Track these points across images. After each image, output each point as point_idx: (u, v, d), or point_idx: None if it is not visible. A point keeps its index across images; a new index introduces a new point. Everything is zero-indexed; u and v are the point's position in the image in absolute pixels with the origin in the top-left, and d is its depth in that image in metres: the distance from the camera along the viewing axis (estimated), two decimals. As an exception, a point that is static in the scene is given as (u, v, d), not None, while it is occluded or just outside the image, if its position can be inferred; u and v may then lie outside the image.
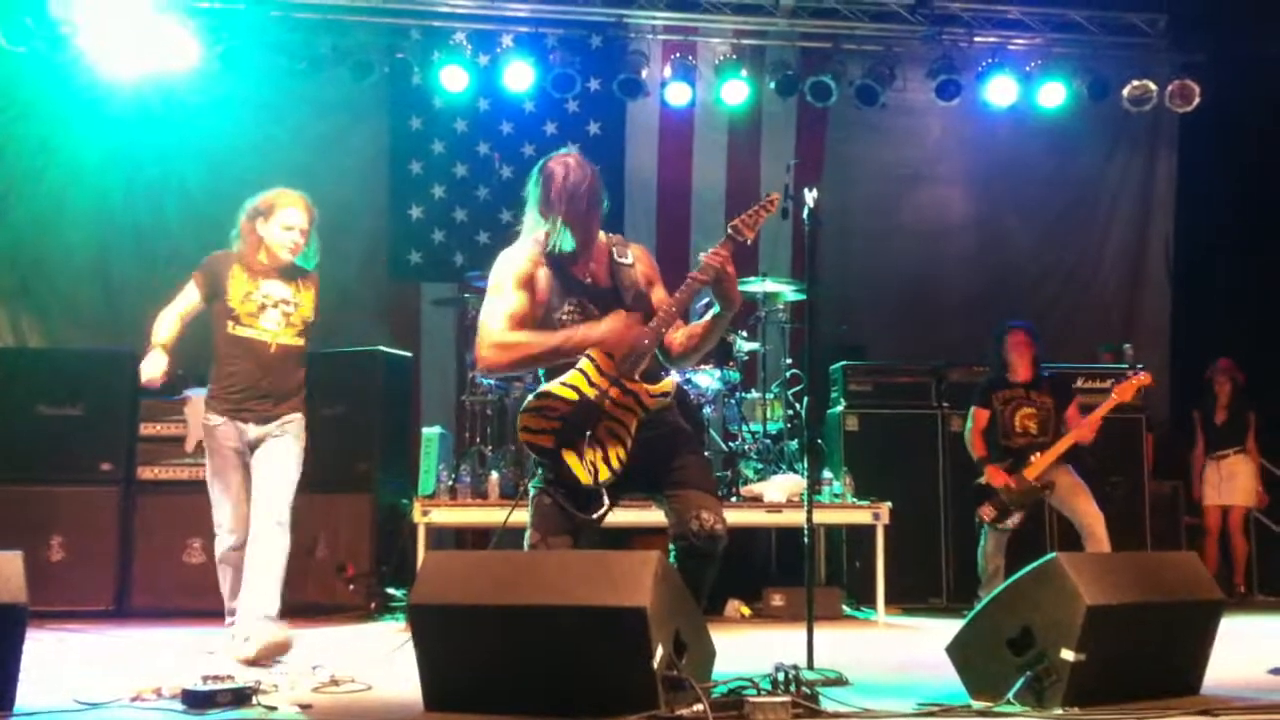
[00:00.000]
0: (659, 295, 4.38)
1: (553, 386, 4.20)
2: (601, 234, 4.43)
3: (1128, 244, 10.82)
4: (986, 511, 7.31)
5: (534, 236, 4.38)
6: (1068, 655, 3.93)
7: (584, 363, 4.20)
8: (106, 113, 9.10)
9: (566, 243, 4.27)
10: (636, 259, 4.42)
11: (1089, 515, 7.24)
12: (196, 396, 7.77)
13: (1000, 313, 9.94)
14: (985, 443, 7.55)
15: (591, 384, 4.18)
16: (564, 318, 4.28)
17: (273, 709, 4.01)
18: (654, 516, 4.86)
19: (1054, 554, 4.21)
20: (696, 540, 4.11)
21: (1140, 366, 7.76)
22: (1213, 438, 9.17)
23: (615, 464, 4.15)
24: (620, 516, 4.62)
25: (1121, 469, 8.52)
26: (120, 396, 7.74)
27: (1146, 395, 8.74)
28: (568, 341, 4.19)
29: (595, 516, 4.19)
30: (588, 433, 4.14)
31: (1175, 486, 9.14)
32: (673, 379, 4.29)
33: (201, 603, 7.31)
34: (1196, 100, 9.64)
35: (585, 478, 4.14)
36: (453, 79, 9.28)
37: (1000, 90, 9.75)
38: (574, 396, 4.16)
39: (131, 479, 7.64)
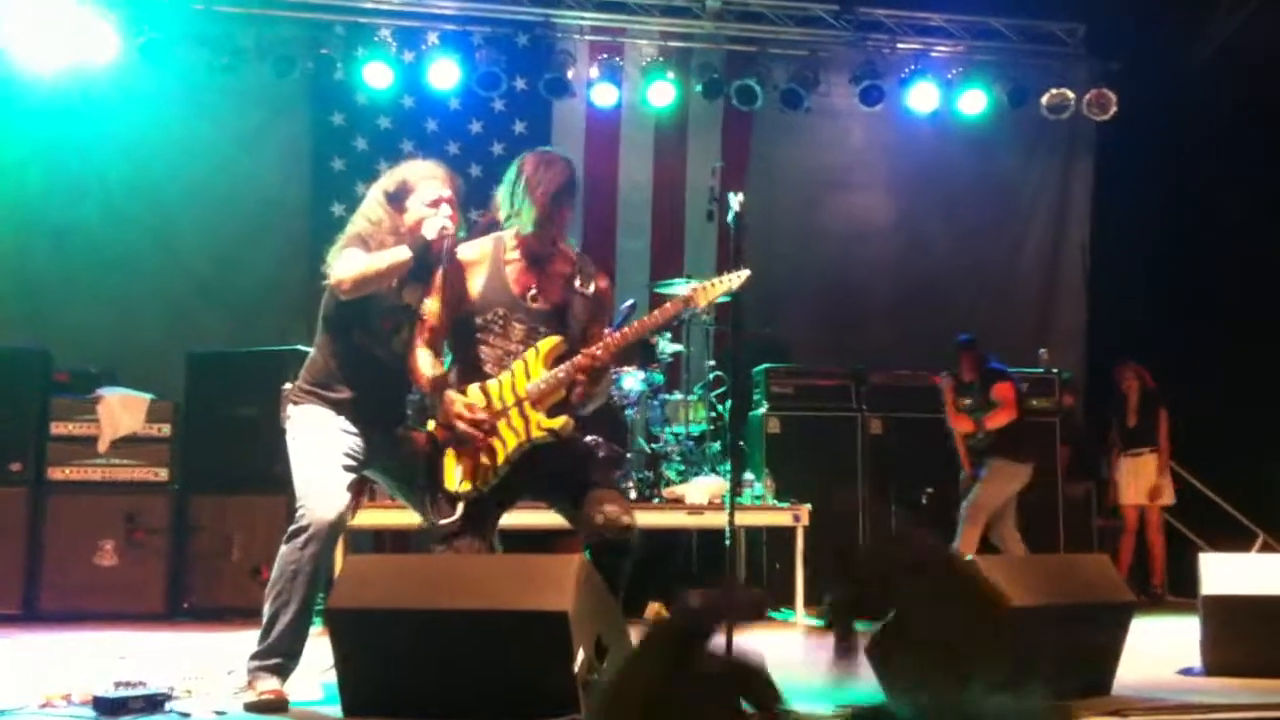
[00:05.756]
0: (595, 336, 4.33)
1: (474, 388, 4.20)
2: (575, 251, 4.45)
3: (1045, 249, 11.00)
4: None
5: (495, 235, 4.40)
6: (983, 657, 3.98)
7: (504, 374, 4.21)
8: (23, 106, 8.93)
9: (528, 225, 4.27)
10: (597, 294, 4.39)
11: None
12: (110, 395, 7.67)
13: (921, 316, 10.10)
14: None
15: (500, 396, 4.18)
16: (482, 321, 4.29)
17: (187, 715, 3.95)
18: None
19: (970, 556, 4.27)
20: (607, 533, 4.09)
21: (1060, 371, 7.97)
22: (1126, 438, 9.30)
23: (479, 481, 4.16)
24: (541, 519, 4.61)
25: (1035, 472, 8.66)
26: (30, 395, 7.61)
27: (1060, 402, 8.95)
28: (434, 394, 4.23)
29: (442, 522, 4.15)
30: (469, 441, 4.15)
31: (1088, 489, 9.29)
32: (567, 420, 4.19)
33: (113, 605, 7.25)
34: (1114, 109, 9.84)
35: (450, 481, 4.16)
36: (377, 76, 9.19)
37: (922, 96, 9.88)
38: (481, 403, 4.18)
39: (41, 479, 7.50)
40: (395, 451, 4.47)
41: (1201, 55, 9.85)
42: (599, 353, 4.15)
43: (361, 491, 4.72)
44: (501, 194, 4.39)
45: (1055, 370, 9.12)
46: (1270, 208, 8.80)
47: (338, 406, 4.39)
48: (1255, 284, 9.10)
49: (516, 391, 4.19)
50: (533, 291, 4.32)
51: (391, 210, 4.47)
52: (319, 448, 4.33)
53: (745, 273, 4.40)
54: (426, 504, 4.23)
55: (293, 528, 4.23)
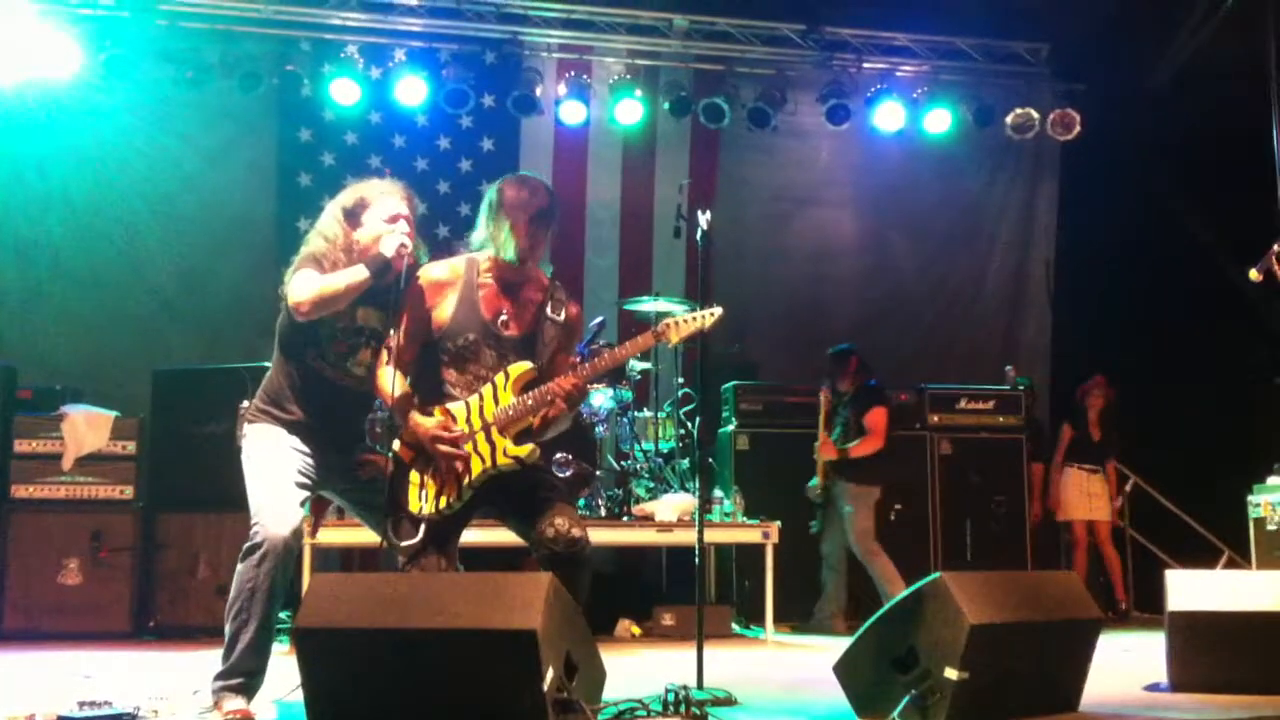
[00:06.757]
0: (561, 363, 4.34)
1: (437, 411, 4.19)
2: (548, 277, 4.41)
3: (1010, 267, 11.08)
4: None
5: (468, 256, 4.36)
6: (951, 674, 3.99)
7: (474, 399, 4.19)
8: (-19, 119, 8.86)
9: (508, 251, 4.24)
10: (568, 321, 4.37)
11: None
12: (74, 412, 7.60)
13: (888, 333, 10.16)
14: None
15: (468, 420, 4.17)
16: (453, 346, 4.26)
17: (152, 736, 3.92)
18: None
19: (938, 573, 4.28)
20: (555, 547, 4.08)
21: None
22: (1085, 452, 9.30)
23: (443, 504, 4.16)
24: (507, 537, 4.59)
25: (1003, 490, 8.74)
26: (-8, 412, 7.53)
27: (1028, 417, 8.99)
28: (399, 412, 4.21)
29: (404, 544, 4.14)
30: (435, 462, 4.14)
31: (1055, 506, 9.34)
32: (534, 448, 4.20)
33: (77, 625, 7.18)
34: (1077, 129, 9.94)
35: (414, 503, 4.16)
36: (344, 92, 9.18)
37: (888, 115, 9.95)
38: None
39: (5, 497, 7.43)
40: (352, 474, 4.45)
41: (1165, 76, 9.96)
42: (577, 379, 4.14)
43: (320, 512, 4.71)
44: (480, 217, 4.36)
45: (1021, 386, 9.16)
46: (1232, 225, 8.89)
47: (290, 426, 4.37)
48: (1217, 301, 9.20)
49: (484, 416, 4.17)
50: (504, 317, 4.29)
51: (347, 227, 4.44)
52: (272, 465, 4.31)
53: (718, 310, 4.36)
54: (388, 526, 4.21)
55: (247, 545, 4.21)
